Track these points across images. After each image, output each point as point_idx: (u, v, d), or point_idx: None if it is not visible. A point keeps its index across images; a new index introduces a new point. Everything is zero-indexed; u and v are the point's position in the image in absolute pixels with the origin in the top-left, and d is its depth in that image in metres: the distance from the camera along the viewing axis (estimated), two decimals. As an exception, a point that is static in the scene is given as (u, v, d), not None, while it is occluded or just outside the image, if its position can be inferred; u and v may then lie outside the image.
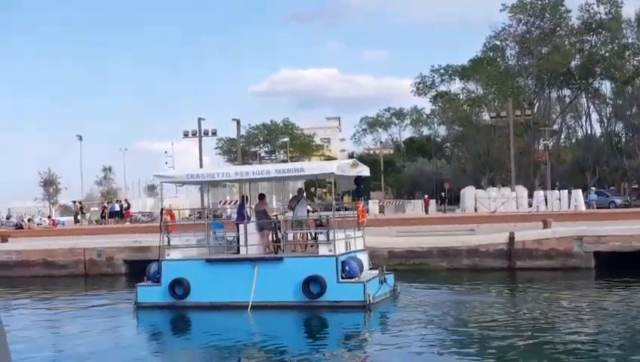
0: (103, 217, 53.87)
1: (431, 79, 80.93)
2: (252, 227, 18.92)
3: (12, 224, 53.93)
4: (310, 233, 19.88)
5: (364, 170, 20.37)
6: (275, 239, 19.20)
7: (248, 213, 19.65)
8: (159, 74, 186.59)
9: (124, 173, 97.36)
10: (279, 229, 19.23)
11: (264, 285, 17.52)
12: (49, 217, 61.40)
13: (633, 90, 72.86)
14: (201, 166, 56.00)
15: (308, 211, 20.19)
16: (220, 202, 58.35)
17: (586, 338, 13.44)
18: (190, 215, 59.60)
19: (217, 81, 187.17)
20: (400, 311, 17.53)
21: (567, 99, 78.93)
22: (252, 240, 18.74)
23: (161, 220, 20.26)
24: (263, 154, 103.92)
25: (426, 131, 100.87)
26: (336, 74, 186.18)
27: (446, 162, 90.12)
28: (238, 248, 19.13)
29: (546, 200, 41.28)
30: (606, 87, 77.49)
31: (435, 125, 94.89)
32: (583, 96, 78.06)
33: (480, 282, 22.38)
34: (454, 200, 58.18)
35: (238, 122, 53.77)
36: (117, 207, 54.44)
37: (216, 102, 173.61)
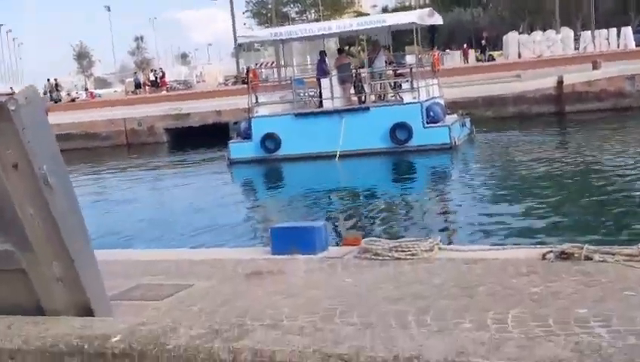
0: (137, 87, 53.62)
1: None
2: (333, 81, 19.71)
3: (49, 98, 53.22)
4: (390, 83, 20.69)
5: (439, 19, 21.20)
6: (357, 91, 20.13)
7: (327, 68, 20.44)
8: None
9: (155, 43, 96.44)
10: (360, 81, 20.11)
11: (351, 134, 18.27)
12: (86, 90, 61.18)
13: None
14: (233, 27, 54.92)
15: (385, 63, 20.66)
16: (256, 64, 57.43)
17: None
18: (227, 80, 59.46)
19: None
20: (479, 151, 18.80)
21: None
22: (334, 94, 19.56)
23: (248, 80, 21.12)
24: (293, 15, 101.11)
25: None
26: None
27: (483, 10, 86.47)
28: (320, 102, 19.96)
29: (593, 40, 39.35)
30: None
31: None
32: None
33: (534, 128, 22.01)
34: (493, 48, 56.09)
35: (269, -19, 51.59)
36: (141, 78, 54.22)
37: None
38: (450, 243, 7.40)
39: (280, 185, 17.67)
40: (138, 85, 53.67)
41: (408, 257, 5.18)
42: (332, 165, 18.06)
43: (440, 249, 5.41)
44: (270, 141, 19.32)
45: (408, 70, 19.94)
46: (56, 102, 44.49)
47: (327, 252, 5.60)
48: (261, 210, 13.90)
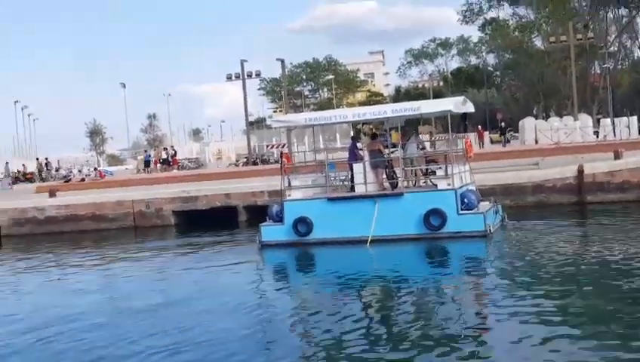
0: (147, 165, 54.00)
1: (478, 6, 77.68)
2: (365, 166, 19.62)
3: (61, 176, 53.76)
4: (421, 169, 20.67)
5: (471, 107, 21.10)
6: (389, 176, 20.04)
7: (360, 153, 20.39)
8: (195, 14, 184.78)
9: (168, 119, 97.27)
10: (392, 167, 20.14)
11: (384, 220, 18.32)
12: (95, 168, 61.24)
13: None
14: (245, 108, 55.14)
15: (417, 148, 20.67)
16: (267, 146, 57.43)
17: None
18: (237, 160, 59.44)
19: (254, 20, 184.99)
20: (512, 239, 18.11)
21: (624, 20, 74.59)
22: (366, 179, 19.47)
23: (281, 163, 21.15)
24: (306, 93, 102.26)
25: (473, 60, 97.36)
26: (375, 6, 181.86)
27: (496, 91, 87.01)
28: (352, 187, 19.84)
29: (614, 128, 38.65)
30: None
31: (484, 54, 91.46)
32: (641, 14, 73.74)
33: (556, 217, 21.34)
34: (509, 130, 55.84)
35: (283, 62, 52.13)
36: (152, 156, 54.82)
37: (255, 41, 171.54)
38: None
39: (308, 274, 17.36)
40: (148, 163, 53.95)
41: None
42: (363, 250, 17.84)
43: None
44: (302, 225, 19.27)
45: (441, 156, 19.90)
46: (67, 182, 44.56)
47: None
48: (286, 308, 12.82)
